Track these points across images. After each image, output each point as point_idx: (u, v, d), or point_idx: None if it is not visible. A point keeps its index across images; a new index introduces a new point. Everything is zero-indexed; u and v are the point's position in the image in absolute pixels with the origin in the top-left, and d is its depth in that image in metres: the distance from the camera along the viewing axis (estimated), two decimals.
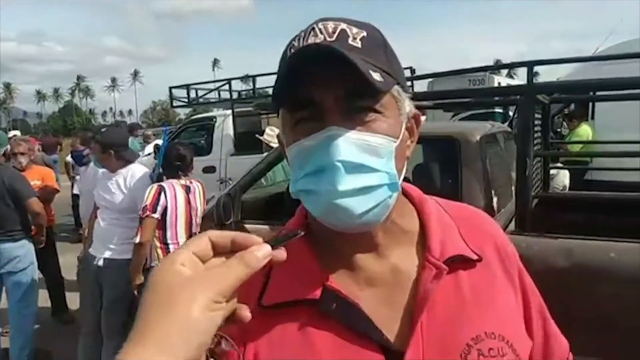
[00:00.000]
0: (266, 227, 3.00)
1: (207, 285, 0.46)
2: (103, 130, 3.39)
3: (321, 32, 0.64)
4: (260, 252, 0.51)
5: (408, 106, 0.70)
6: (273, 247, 0.52)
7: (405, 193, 0.77)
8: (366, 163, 0.62)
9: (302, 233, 0.56)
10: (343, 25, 0.65)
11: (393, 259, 0.71)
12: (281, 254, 0.53)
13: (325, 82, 0.62)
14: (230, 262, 0.49)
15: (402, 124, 0.69)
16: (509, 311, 0.73)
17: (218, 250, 0.51)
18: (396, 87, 0.67)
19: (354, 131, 0.63)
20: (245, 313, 0.52)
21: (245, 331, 0.68)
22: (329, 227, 0.67)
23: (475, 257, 0.73)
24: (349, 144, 0.62)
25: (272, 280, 0.71)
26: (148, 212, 2.91)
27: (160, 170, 3.16)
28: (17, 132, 11.33)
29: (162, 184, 3.03)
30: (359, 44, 0.64)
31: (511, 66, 4.18)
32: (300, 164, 0.65)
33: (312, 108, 0.64)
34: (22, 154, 4.44)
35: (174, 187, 3.05)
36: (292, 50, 0.65)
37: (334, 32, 0.64)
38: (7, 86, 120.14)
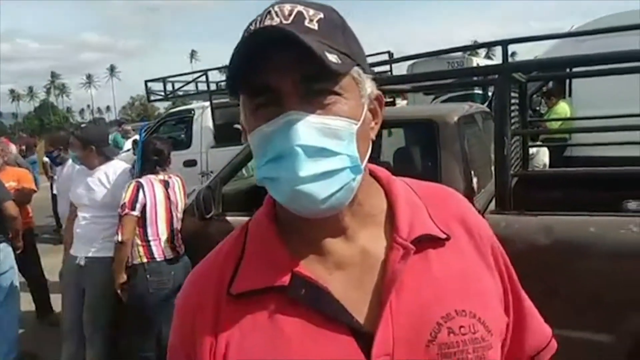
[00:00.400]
0: (248, 218, 2.97)
1: None
2: (83, 126, 3.36)
3: (277, 15, 0.63)
4: None
5: (370, 87, 0.69)
6: None
7: (372, 174, 0.76)
8: (327, 147, 0.61)
9: None
10: (300, 7, 0.64)
11: (361, 242, 0.71)
12: None
13: (281, 66, 0.61)
14: None
15: (363, 106, 0.68)
16: (481, 288, 0.72)
17: None
18: (356, 68, 0.66)
19: (314, 115, 0.62)
20: None
21: (216, 321, 0.69)
22: (295, 213, 0.66)
23: (443, 235, 0.72)
24: (309, 128, 0.61)
25: (241, 268, 0.71)
26: (127, 210, 2.86)
27: (139, 166, 3.11)
28: None
29: (140, 180, 2.98)
30: (315, 26, 0.63)
31: (486, 45, 4.17)
32: (261, 150, 0.64)
33: (269, 93, 0.63)
34: None
35: (152, 183, 3.00)
36: (247, 34, 0.64)
37: (290, 15, 0.63)
38: None
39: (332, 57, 0.60)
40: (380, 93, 0.73)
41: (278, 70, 0.61)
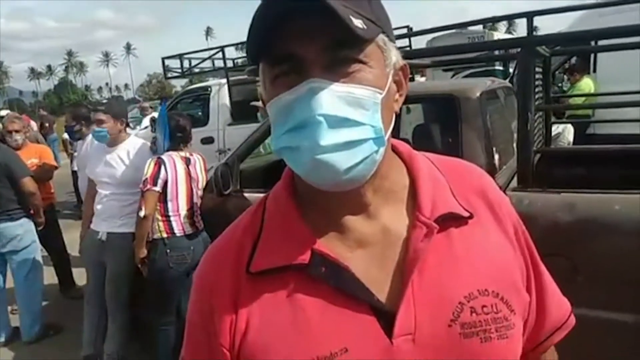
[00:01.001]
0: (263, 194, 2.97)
1: None
2: (106, 102, 3.40)
3: None
4: None
5: (395, 56, 0.67)
6: None
7: (394, 149, 0.74)
8: (350, 117, 0.59)
9: None
10: None
11: (383, 219, 0.69)
12: None
13: (304, 33, 0.59)
14: None
15: (388, 75, 0.65)
16: (504, 267, 0.70)
17: None
18: (381, 36, 0.64)
19: (337, 83, 0.59)
20: None
21: (236, 299, 0.68)
22: (315, 186, 0.64)
23: (466, 214, 0.70)
24: (332, 97, 0.59)
25: (259, 246, 0.70)
26: (149, 186, 2.88)
27: (168, 143, 3.10)
28: (8, 111, 11.26)
29: (162, 156, 2.99)
30: None
31: (511, 17, 4.08)
32: (281, 120, 0.62)
33: (291, 61, 0.60)
34: (17, 131, 4.38)
35: (173, 160, 3.01)
36: (267, 0, 0.60)
37: None
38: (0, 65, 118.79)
39: (358, 22, 0.57)
40: (405, 63, 0.70)
41: (301, 37, 0.59)
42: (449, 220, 0.69)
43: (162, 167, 2.94)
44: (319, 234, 0.68)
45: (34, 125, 9.00)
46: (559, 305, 0.83)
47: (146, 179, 2.89)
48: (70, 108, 4.86)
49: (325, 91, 0.58)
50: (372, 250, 0.68)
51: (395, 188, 0.71)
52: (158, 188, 2.91)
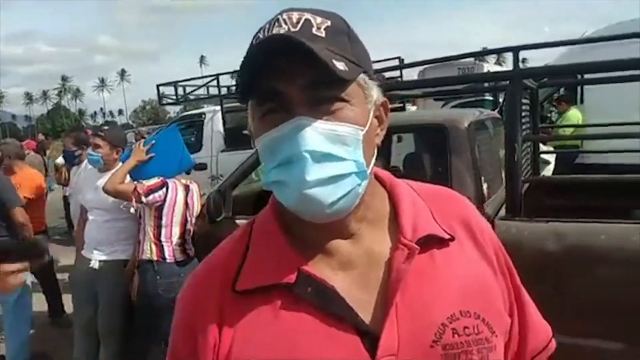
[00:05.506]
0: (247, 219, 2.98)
1: None
2: (107, 127, 3.36)
3: (285, 23, 0.65)
4: None
5: (375, 93, 0.71)
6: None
7: (376, 176, 0.77)
8: (334, 152, 0.63)
9: (47, 258, 0.29)
10: (307, 15, 0.66)
11: (366, 242, 0.72)
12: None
13: (290, 73, 0.63)
14: None
15: (369, 112, 0.69)
16: (485, 289, 0.73)
17: None
18: (362, 75, 0.68)
19: (321, 121, 0.63)
20: None
21: (220, 318, 0.69)
22: (301, 217, 0.67)
23: (447, 236, 0.73)
24: (316, 134, 0.62)
25: (245, 266, 0.72)
26: (140, 191, 2.82)
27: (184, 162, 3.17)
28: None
29: (167, 180, 2.99)
30: (322, 34, 0.65)
31: (497, 51, 4.17)
32: (269, 155, 0.66)
33: (278, 99, 0.64)
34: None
35: (176, 187, 3.02)
36: (256, 42, 0.65)
37: (297, 22, 0.65)
38: None
39: (339, 65, 0.61)
40: (385, 99, 0.74)
41: (286, 77, 0.63)
42: (431, 242, 0.71)
43: (164, 188, 2.93)
44: (305, 255, 0.70)
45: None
46: (540, 329, 0.85)
47: (143, 184, 2.86)
48: (74, 132, 4.83)
49: (309, 128, 0.62)
50: (356, 272, 0.70)
51: (378, 214, 0.74)
52: (145, 200, 2.84)
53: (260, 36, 0.66)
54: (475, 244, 0.76)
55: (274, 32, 0.64)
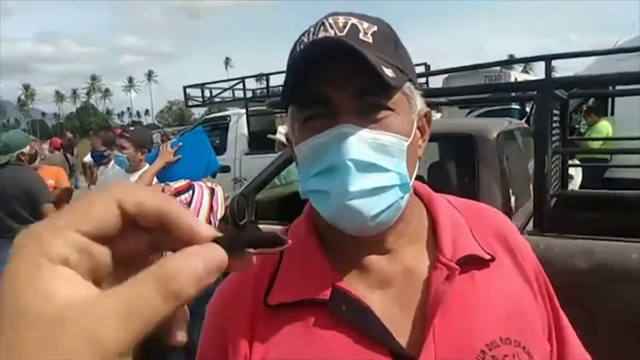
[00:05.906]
0: (280, 227, 2.98)
1: (102, 332, 0.25)
2: (132, 128, 3.43)
3: (331, 27, 0.62)
4: (205, 266, 0.30)
5: (420, 104, 0.68)
6: (232, 252, 0.31)
7: (414, 191, 0.74)
8: (378, 162, 0.61)
9: (287, 245, 0.35)
10: (354, 20, 0.63)
11: (404, 260, 0.69)
12: (247, 264, 0.34)
13: (336, 78, 0.60)
14: (144, 284, 0.27)
15: (413, 122, 0.66)
16: (526, 314, 0.69)
17: (131, 223, 0.29)
18: (408, 83, 0.65)
19: (366, 129, 0.61)
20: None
21: (252, 332, 0.67)
22: (339, 229, 0.64)
23: (488, 257, 0.69)
24: (361, 142, 0.60)
25: (279, 278, 0.69)
26: (167, 191, 2.81)
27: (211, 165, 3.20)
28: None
29: (194, 182, 3.00)
30: (370, 39, 0.62)
31: (528, 60, 4.06)
32: (310, 162, 0.63)
33: (323, 105, 0.62)
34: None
35: (202, 190, 3.03)
36: (302, 46, 0.63)
37: (344, 27, 0.62)
38: (27, 87, 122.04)
39: (388, 71, 0.59)
40: (429, 110, 0.71)
41: (334, 82, 0.61)
42: (471, 263, 0.68)
43: (190, 191, 2.94)
44: (340, 271, 0.67)
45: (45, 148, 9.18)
46: (580, 356, 0.80)
47: (170, 186, 2.86)
48: (102, 132, 4.90)
49: (355, 136, 0.60)
50: (393, 291, 0.67)
51: (417, 230, 0.71)
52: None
53: (305, 40, 0.64)
54: (515, 264, 0.73)
55: (321, 35, 0.62)
